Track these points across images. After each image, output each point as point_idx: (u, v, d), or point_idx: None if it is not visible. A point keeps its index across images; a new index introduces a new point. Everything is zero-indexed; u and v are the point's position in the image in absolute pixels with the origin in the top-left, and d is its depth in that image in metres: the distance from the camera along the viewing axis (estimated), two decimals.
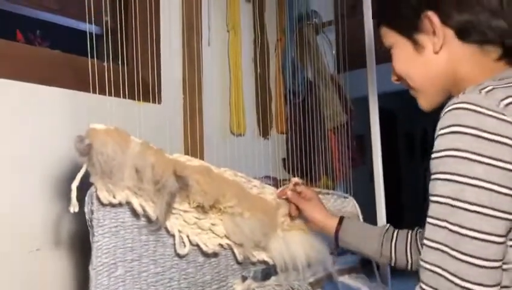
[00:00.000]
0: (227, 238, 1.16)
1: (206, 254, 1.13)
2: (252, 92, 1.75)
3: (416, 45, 0.88)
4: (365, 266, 1.59)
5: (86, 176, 0.95)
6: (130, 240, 1.00)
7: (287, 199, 1.28)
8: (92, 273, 0.93)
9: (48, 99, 1.12)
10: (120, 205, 0.98)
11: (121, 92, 1.16)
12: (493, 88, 0.75)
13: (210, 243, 1.13)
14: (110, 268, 0.96)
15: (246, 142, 1.67)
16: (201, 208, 1.11)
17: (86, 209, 0.95)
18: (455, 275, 0.72)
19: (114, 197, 0.96)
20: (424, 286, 0.75)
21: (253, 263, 1.23)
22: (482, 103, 0.72)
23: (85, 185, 0.95)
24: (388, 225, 1.28)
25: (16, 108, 1.06)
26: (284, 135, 1.85)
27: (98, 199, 0.94)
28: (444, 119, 0.76)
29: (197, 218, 1.11)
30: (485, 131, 0.71)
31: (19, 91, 1.06)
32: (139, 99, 1.30)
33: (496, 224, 0.71)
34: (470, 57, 0.85)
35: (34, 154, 1.08)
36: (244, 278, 1.20)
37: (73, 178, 0.94)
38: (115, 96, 1.15)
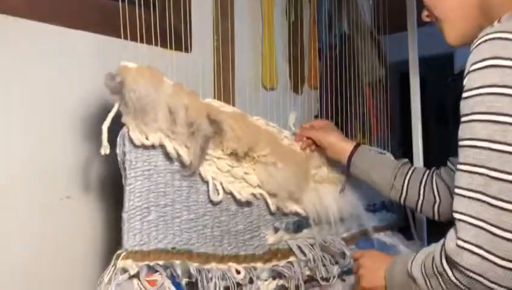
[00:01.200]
0: (260, 187, 1.13)
1: (239, 203, 1.10)
2: (284, 44, 1.67)
3: None
4: (402, 224, 1.54)
5: (117, 118, 0.92)
6: (163, 185, 0.97)
7: (301, 138, 1.24)
8: (124, 217, 0.91)
9: (77, 43, 1.08)
10: (153, 147, 0.95)
11: (152, 38, 1.12)
12: None
13: (243, 192, 1.09)
14: (142, 212, 0.93)
15: (277, 97, 1.61)
16: (234, 156, 1.07)
17: (118, 151, 0.92)
18: (497, 227, 0.65)
19: (147, 138, 0.92)
20: (461, 243, 0.68)
21: (286, 214, 1.19)
22: None
23: (115, 128, 0.92)
24: (406, 159, 1.21)
25: (46, 51, 1.02)
26: (317, 91, 1.78)
27: (131, 140, 0.91)
28: (477, 52, 0.67)
29: (230, 166, 1.07)
30: None
31: (49, 34, 1.03)
32: (170, 47, 1.25)
33: None
34: None
35: (63, 98, 1.04)
36: (276, 229, 1.17)
37: (102, 121, 0.91)
38: (145, 43, 1.10)
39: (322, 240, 1.23)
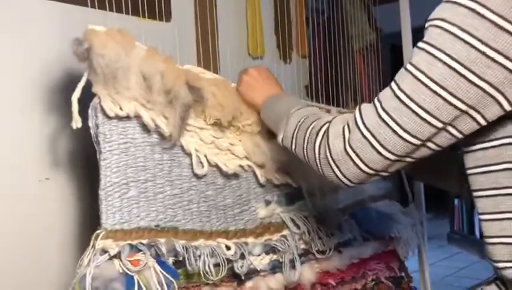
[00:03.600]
0: (248, 159, 1.06)
1: (226, 176, 1.03)
2: (270, 10, 1.59)
3: None
4: (399, 193, 1.49)
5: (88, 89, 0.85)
6: (142, 159, 0.90)
7: None
8: (101, 194, 0.85)
9: (42, 12, 1.00)
10: (128, 118, 0.88)
11: (123, 7, 1.04)
12: None
13: (230, 164, 1.03)
14: (121, 189, 0.87)
15: (265, 66, 1.54)
16: (218, 126, 1.00)
17: (90, 124, 0.85)
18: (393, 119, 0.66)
19: (121, 108, 0.85)
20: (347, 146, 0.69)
21: (277, 186, 1.13)
22: None
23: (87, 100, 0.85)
24: None
25: (6, 21, 0.94)
26: (307, 59, 1.70)
27: (103, 110, 0.84)
28: None
29: (214, 137, 1.01)
30: (484, 7, 0.59)
31: (12, 4, 0.95)
32: (143, 16, 1.17)
33: (447, 109, 0.63)
34: None
35: (25, 68, 0.96)
36: (267, 202, 1.11)
37: (70, 92, 0.84)
38: (115, 11, 1.02)
39: (316, 212, 1.17)
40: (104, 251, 0.80)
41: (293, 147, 0.82)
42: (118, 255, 0.81)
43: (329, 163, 0.71)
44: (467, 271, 3.17)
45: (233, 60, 1.43)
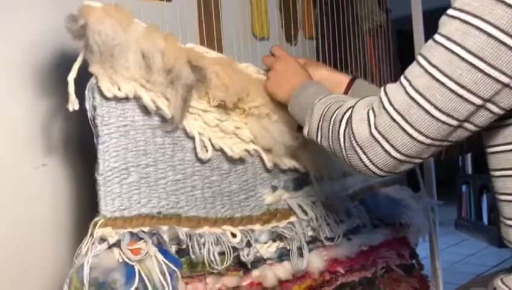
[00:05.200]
0: (254, 143, 1.01)
1: (231, 161, 0.99)
2: None
3: None
4: (409, 178, 1.44)
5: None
6: (142, 142, 0.86)
7: None
8: (99, 179, 0.80)
9: None
10: (127, 99, 0.83)
11: None
12: None
13: (235, 148, 0.98)
14: (121, 174, 0.83)
15: (269, 48, 1.48)
16: (223, 108, 0.95)
17: (87, 106, 0.81)
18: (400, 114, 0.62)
19: (119, 89, 0.81)
20: (374, 131, 0.65)
21: (284, 171, 1.08)
22: None
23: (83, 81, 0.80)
24: None
25: None
26: (313, 40, 1.64)
27: (100, 91, 0.80)
28: None
29: (219, 119, 0.96)
30: None
31: None
32: None
33: (486, 83, 0.57)
34: None
35: (15, 48, 0.91)
36: (274, 188, 1.06)
37: (64, 72, 0.79)
38: None
39: (324, 198, 1.13)
40: (103, 240, 0.76)
41: (319, 139, 0.76)
42: (117, 244, 0.77)
43: (355, 150, 0.66)
44: (474, 258, 3.14)
45: (237, 41, 1.37)
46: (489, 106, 0.58)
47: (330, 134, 0.72)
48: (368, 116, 0.64)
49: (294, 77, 0.93)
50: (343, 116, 0.69)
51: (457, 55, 0.57)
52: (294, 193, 1.09)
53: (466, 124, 0.60)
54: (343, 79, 1.01)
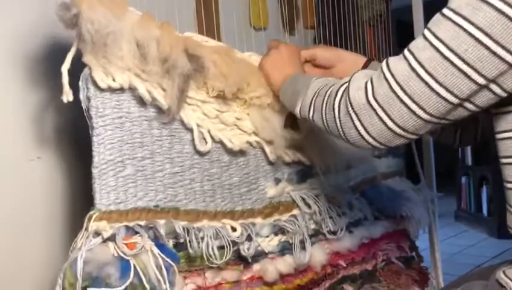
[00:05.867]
0: (256, 135, 0.99)
1: (232, 153, 0.96)
2: None
3: None
4: (409, 170, 1.42)
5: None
6: (138, 134, 0.83)
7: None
8: (94, 172, 0.78)
9: None
10: (122, 90, 0.80)
11: None
12: None
13: (236, 140, 0.95)
14: (116, 167, 0.80)
15: (268, 38, 1.45)
16: (222, 98, 0.92)
17: (81, 97, 0.78)
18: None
19: (114, 79, 0.78)
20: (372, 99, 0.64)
21: (287, 164, 1.05)
22: None
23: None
24: None
25: None
26: (313, 31, 1.61)
27: (94, 82, 0.77)
28: None
29: (218, 110, 0.93)
30: None
31: None
32: None
33: (492, 62, 0.55)
34: None
35: (4, 38, 0.88)
36: (277, 181, 1.04)
37: (56, 62, 0.76)
38: None
39: (327, 190, 1.10)
40: (97, 234, 0.74)
41: (311, 114, 0.75)
42: (112, 238, 0.75)
43: (351, 118, 0.64)
44: (474, 249, 3.13)
45: (236, 31, 1.34)
46: (493, 86, 0.57)
47: (324, 106, 0.71)
48: (366, 86, 0.63)
49: (293, 66, 0.92)
50: (339, 88, 0.68)
51: (464, 30, 0.55)
52: (298, 185, 1.06)
53: (466, 104, 0.59)
54: (360, 60, 1.00)
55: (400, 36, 1.98)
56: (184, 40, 0.85)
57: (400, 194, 1.33)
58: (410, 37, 1.54)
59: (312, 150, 1.05)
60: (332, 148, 1.06)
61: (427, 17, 1.50)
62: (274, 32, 1.49)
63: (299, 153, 1.05)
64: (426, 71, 0.58)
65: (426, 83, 0.58)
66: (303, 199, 1.04)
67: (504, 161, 0.65)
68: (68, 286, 0.70)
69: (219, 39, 1.28)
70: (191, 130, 0.90)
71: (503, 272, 0.70)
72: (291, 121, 0.98)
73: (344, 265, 1.13)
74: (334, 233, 1.07)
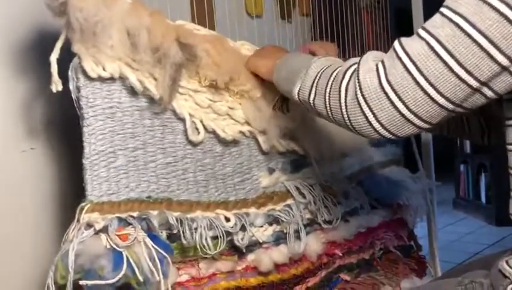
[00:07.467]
0: (249, 124, 0.98)
1: (225, 143, 0.95)
2: None
3: None
4: (408, 159, 1.41)
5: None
6: (130, 125, 0.82)
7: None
8: (85, 163, 0.77)
9: None
10: (113, 80, 0.79)
11: None
12: None
13: (229, 130, 0.94)
14: (108, 157, 0.80)
15: (264, 26, 1.44)
16: (215, 88, 0.91)
17: (70, 87, 0.77)
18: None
19: (104, 69, 0.77)
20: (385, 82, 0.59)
21: (281, 153, 1.05)
22: None
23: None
24: None
25: None
26: (309, 18, 1.59)
27: (84, 72, 0.76)
28: None
29: (211, 100, 0.92)
30: None
31: None
32: None
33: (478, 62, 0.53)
34: None
35: None
36: (271, 170, 1.03)
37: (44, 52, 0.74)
38: None
39: (322, 180, 1.10)
40: (89, 225, 0.73)
41: (311, 97, 0.69)
42: (104, 230, 0.74)
43: (359, 103, 0.59)
44: (472, 236, 3.14)
45: (231, 19, 1.33)
46: None
47: (328, 89, 0.65)
48: (378, 67, 0.58)
49: (279, 51, 0.88)
50: (347, 70, 0.63)
51: (488, 4, 0.51)
52: (292, 175, 1.06)
53: (484, 89, 0.55)
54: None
55: (399, 24, 1.96)
56: (176, 29, 0.83)
57: (397, 183, 1.32)
58: (410, 26, 1.52)
59: (306, 139, 1.04)
60: (326, 137, 1.05)
61: (426, 6, 1.48)
62: (269, 19, 1.47)
63: (292, 143, 1.04)
64: (446, 49, 0.53)
65: (445, 63, 0.53)
66: (297, 189, 1.03)
67: (511, 147, 0.63)
68: (60, 278, 0.69)
69: (213, 27, 1.26)
70: (183, 120, 0.89)
71: (506, 262, 0.68)
72: (281, 102, 0.96)
73: (340, 254, 1.13)
74: (329, 222, 1.07)
